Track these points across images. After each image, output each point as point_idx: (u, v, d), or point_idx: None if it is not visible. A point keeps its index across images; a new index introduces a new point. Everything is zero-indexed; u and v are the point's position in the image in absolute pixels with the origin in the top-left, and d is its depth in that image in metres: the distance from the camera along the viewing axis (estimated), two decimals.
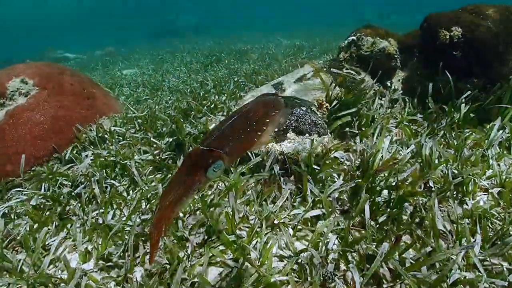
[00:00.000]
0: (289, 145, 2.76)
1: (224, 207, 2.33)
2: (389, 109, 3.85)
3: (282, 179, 2.65)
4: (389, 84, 4.20)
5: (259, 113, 1.38)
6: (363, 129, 3.35)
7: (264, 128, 1.37)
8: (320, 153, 2.82)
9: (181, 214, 2.41)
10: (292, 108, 2.94)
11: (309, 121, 2.90)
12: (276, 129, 1.76)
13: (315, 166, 2.71)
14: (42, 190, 2.69)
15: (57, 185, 2.74)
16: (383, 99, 3.88)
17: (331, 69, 3.99)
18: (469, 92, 3.42)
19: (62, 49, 17.27)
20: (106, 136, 3.39)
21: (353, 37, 4.19)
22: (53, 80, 3.41)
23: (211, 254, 1.98)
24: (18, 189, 2.80)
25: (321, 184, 2.56)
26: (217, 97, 4.67)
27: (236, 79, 5.90)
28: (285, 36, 14.26)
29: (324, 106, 3.17)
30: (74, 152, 3.17)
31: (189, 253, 2.09)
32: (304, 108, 2.97)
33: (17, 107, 3.09)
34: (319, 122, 2.96)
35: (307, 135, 2.84)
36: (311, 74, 3.92)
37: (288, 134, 2.81)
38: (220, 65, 8.11)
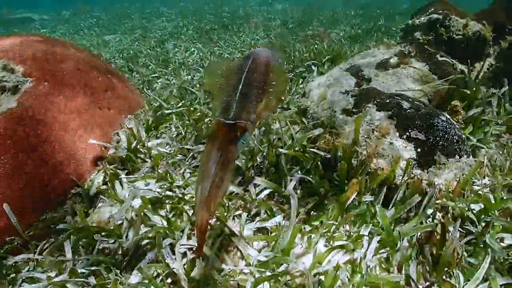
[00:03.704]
0: (440, 173, 1.79)
1: None
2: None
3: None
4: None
5: (263, 72, 1.33)
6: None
7: (274, 85, 1.34)
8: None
9: None
10: (431, 117, 1.93)
11: (456, 137, 1.92)
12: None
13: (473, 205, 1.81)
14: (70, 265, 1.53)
15: (94, 249, 1.60)
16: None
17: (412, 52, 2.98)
18: None
19: (22, 8, 13.97)
20: (141, 149, 2.20)
21: (436, 16, 3.15)
22: (54, 65, 2.08)
23: None
24: (26, 255, 1.60)
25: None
26: None
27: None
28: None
29: (460, 115, 2.19)
30: (101, 181, 1.97)
31: None
32: (444, 118, 1.97)
33: (3, 115, 1.77)
34: (463, 136, 2.00)
35: (457, 157, 1.87)
36: (395, 60, 2.87)
37: (436, 157, 1.82)
38: (221, 31, 6.70)
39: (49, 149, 1.79)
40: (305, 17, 8.29)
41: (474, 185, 2.04)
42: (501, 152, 2.37)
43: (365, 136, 1.92)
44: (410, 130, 1.88)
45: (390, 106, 2.02)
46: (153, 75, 4.10)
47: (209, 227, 1.67)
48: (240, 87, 1.22)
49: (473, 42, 3.08)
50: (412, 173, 1.78)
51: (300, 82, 3.32)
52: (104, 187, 1.92)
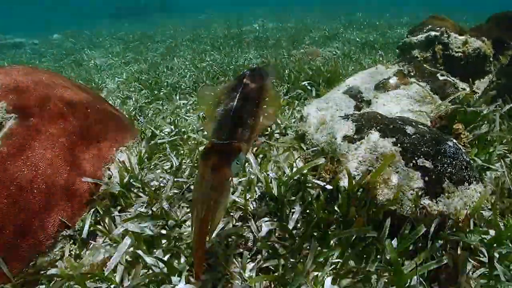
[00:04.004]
0: (449, 203, 1.74)
1: None
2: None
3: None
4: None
5: (257, 91, 1.29)
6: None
7: (266, 101, 1.29)
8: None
9: None
10: (437, 143, 1.89)
11: (465, 163, 1.88)
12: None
13: (483, 235, 1.75)
14: None
15: None
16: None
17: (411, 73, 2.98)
18: None
19: (11, 33, 13.93)
20: (134, 183, 2.13)
21: (434, 33, 3.17)
22: (41, 98, 2.04)
23: None
24: None
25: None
26: None
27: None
28: (264, 17, 12.96)
29: (464, 137, 2.16)
30: (93, 220, 1.88)
31: None
32: (451, 144, 1.93)
33: None
34: (471, 162, 1.96)
35: (466, 184, 1.82)
36: (394, 81, 2.87)
37: (444, 186, 1.77)
38: (215, 51, 6.72)
39: (35, 190, 1.71)
40: (297, 35, 8.38)
41: (483, 211, 1.99)
42: (506, 173, 2.33)
43: (369, 165, 1.87)
44: (416, 158, 1.84)
45: (393, 132, 1.98)
46: (145, 101, 4.06)
47: (207, 267, 1.60)
48: (234, 108, 1.19)
49: (474, 59, 3.09)
50: (421, 204, 1.73)
51: (296, 104, 3.29)
52: (97, 226, 1.84)
